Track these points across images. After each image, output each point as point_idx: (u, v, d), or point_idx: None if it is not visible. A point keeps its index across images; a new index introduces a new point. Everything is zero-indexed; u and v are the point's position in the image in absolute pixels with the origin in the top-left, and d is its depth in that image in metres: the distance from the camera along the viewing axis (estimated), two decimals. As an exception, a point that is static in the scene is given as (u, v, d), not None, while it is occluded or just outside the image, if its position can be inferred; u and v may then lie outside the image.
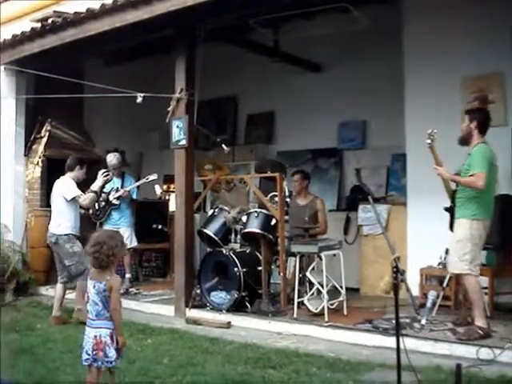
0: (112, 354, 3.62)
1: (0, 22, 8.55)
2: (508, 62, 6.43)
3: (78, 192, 6.65)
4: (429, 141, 5.16)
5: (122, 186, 8.08)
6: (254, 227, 6.67)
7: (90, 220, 8.02)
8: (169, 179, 9.74)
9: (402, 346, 3.43)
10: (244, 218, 6.78)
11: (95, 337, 3.63)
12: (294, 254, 6.57)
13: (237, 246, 6.97)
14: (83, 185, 6.89)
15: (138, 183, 8.11)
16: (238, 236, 6.96)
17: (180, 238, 6.94)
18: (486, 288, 5.96)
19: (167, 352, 5.07)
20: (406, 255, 6.76)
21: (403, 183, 7.77)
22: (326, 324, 5.88)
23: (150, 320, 6.51)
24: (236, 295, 6.50)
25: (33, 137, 9.29)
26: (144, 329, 6.04)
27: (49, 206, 8.76)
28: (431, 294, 5.85)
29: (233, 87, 10.46)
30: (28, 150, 9.24)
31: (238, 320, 6.31)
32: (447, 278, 6.01)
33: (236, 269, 6.49)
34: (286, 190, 6.91)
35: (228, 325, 6.21)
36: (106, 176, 7.01)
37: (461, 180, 5.34)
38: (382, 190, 8.69)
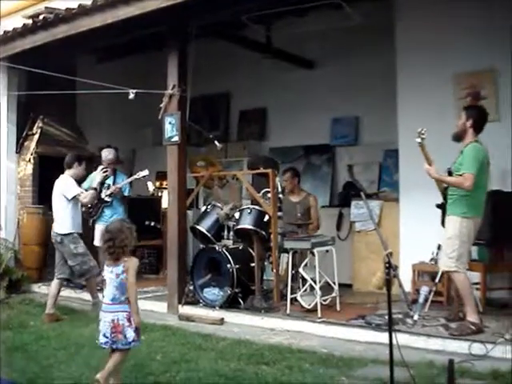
0: (130, 335, 3.82)
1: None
2: (500, 57, 6.45)
3: (78, 190, 6.66)
4: (419, 139, 5.15)
5: (114, 183, 8.04)
6: (246, 224, 6.66)
7: (82, 217, 8.00)
8: (161, 176, 9.72)
9: (394, 341, 3.44)
10: (237, 215, 6.79)
11: (113, 320, 3.81)
12: (286, 251, 6.57)
13: (230, 243, 6.97)
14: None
15: (129, 179, 8.09)
16: (231, 232, 6.96)
17: (173, 234, 6.93)
18: (478, 283, 5.99)
19: (160, 349, 5.07)
20: (399, 251, 6.78)
21: (395, 179, 7.79)
22: (319, 320, 5.89)
23: (142, 317, 6.33)
24: (229, 292, 6.50)
25: (24, 134, 9.24)
26: (137, 325, 6.02)
27: (41, 203, 8.85)
28: (423, 290, 5.88)
29: (225, 83, 10.44)
30: (20, 147, 9.20)
31: (231, 316, 6.31)
32: (439, 273, 6.03)
33: (229, 265, 6.50)
34: (279, 187, 6.93)
35: (221, 321, 6.21)
36: (104, 172, 7.00)
37: (449, 180, 5.36)
38: (374, 186, 8.72)
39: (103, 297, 4.00)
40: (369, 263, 7.48)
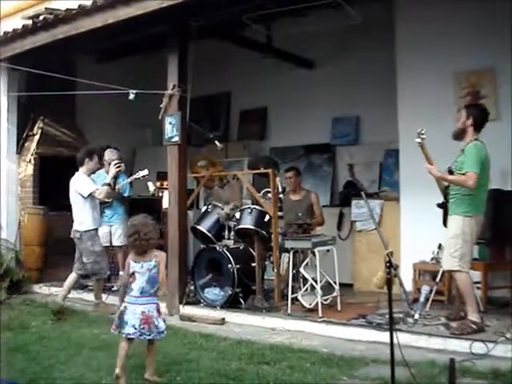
0: (161, 324, 4.11)
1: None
2: (500, 56, 6.45)
3: (93, 187, 6.73)
4: (419, 139, 5.15)
5: (114, 183, 8.03)
6: (247, 223, 6.67)
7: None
8: (162, 176, 9.70)
9: (395, 340, 3.45)
10: (237, 215, 6.79)
11: (143, 312, 4.04)
12: (287, 250, 6.57)
13: (230, 243, 6.96)
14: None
15: (129, 180, 8.08)
16: (232, 232, 6.95)
17: (173, 234, 6.93)
18: (479, 283, 5.99)
19: (161, 349, 5.04)
20: (399, 250, 6.79)
21: (396, 179, 7.79)
22: (320, 319, 5.90)
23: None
24: (230, 291, 6.50)
25: (25, 134, 9.24)
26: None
27: (41, 203, 8.85)
28: (424, 289, 5.87)
29: (226, 83, 10.44)
30: (20, 148, 9.19)
31: (232, 316, 6.31)
32: (440, 272, 6.04)
33: (230, 265, 6.50)
34: (280, 186, 6.92)
35: (222, 321, 6.20)
36: (118, 167, 7.03)
37: (452, 179, 5.35)
38: (375, 186, 8.72)
39: (131, 290, 4.14)
40: (369, 263, 7.47)
